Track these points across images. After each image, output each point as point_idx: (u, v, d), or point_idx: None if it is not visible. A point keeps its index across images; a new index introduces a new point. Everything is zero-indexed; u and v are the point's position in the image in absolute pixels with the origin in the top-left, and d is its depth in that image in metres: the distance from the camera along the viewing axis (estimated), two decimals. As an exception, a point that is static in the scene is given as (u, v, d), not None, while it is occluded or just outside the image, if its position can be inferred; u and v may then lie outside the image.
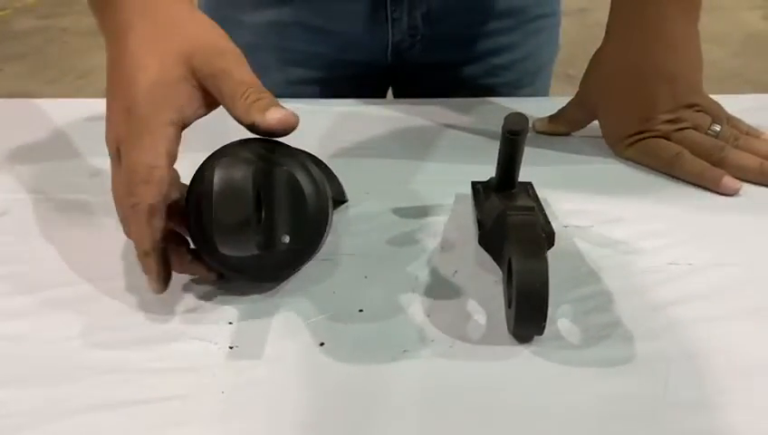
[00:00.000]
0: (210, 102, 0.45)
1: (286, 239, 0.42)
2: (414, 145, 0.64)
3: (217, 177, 0.39)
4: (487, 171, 0.52)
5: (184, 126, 0.44)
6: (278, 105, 0.43)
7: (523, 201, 0.47)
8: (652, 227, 0.51)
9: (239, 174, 0.39)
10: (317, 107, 0.70)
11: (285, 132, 0.43)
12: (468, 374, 0.39)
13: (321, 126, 0.67)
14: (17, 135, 0.64)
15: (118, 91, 0.43)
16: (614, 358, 0.40)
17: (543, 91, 0.84)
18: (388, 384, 0.39)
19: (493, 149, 0.49)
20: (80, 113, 0.68)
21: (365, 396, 0.38)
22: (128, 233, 0.44)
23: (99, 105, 0.68)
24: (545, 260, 0.39)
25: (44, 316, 0.43)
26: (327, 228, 0.45)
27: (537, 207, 0.49)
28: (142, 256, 0.43)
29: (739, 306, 0.44)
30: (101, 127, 0.45)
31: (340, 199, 0.54)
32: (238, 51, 0.45)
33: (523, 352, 0.41)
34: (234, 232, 0.39)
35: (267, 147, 0.43)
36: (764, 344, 0.41)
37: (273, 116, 0.42)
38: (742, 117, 0.62)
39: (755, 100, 0.70)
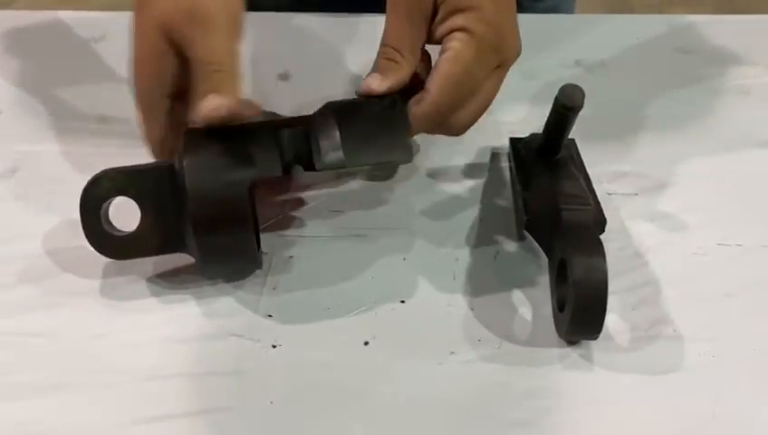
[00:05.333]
0: None
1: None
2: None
3: None
4: (519, 110, 0.51)
5: (182, 93, 0.42)
6: (219, 92, 0.38)
7: (571, 182, 0.44)
8: (698, 195, 0.49)
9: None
10: (321, 19, 0.63)
11: (225, 121, 0.39)
12: (515, 380, 0.39)
13: (322, 47, 0.61)
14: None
15: None
16: (662, 365, 0.39)
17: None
18: (437, 391, 0.38)
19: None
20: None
21: (415, 405, 0.38)
22: None
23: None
24: (605, 271, 0.38)
25: (66, 310, 0.41)
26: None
27: (585, 184, 0.46)
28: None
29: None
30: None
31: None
32: (214, 13, 0.40)
33: (571, 355, 0.40)
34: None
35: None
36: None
37: (203, 106, 0.38)
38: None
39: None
